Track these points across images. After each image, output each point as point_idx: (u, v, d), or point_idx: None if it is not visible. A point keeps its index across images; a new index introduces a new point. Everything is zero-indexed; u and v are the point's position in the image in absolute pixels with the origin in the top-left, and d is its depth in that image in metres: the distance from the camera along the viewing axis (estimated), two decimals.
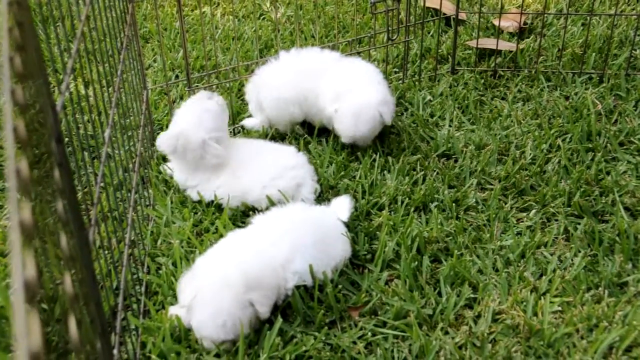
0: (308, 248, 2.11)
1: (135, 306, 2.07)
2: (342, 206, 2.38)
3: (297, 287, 2.09)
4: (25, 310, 0.61)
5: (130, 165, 2.38)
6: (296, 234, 2.14)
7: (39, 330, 0.62)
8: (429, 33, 3.74)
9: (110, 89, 2.18)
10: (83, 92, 2.94)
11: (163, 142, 2.55)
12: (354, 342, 1.99)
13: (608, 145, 2.80)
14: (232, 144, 2.65)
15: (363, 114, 2.72)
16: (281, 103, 2.89)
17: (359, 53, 3.34)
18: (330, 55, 2.98)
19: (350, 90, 2.78)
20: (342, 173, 2.68)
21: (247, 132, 3.02)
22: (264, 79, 2.94)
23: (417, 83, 3.34)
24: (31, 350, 0.61)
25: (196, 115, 2.55)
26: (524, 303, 2.09)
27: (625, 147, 2.82)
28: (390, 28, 3.21)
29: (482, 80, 3.32)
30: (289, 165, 2.54)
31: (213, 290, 1.90)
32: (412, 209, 2.49)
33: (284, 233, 2.13)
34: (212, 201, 2.54)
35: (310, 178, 2.56)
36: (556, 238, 2.36)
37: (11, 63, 0.83)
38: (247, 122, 3.02)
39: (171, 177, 2.67)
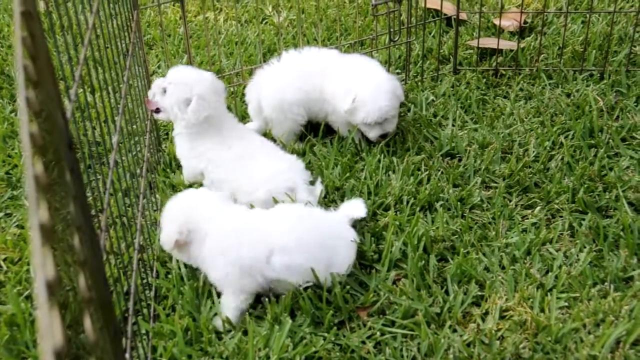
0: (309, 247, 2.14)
1: (145, 311, 2.09)
2: (355, 207, 2.40)
3: (305, 288, 2.11)
4: (48, 310, 0.63)
5: (138, 171, 2.40)
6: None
7: (61, 330, 0.64)
8: (430, 34, 3.75)
9: (116, 95, 2.20)
10: (90, 99, 2.96)
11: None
12: (363, 342, 2.01)
13: (610, 141, 2.82)
14: (230, 142, 2.63)
15: (381, 90, 2.79)
16: (284, 105, 2.90)
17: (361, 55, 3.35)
18: (331, 53, 3.00)
19: (360, 78, 2.83)
20: (348, 174, 2.70)
21: None
22: (265, 79, 2.96)
23: (419, 83, 3.35)
24: (55, 349, 0.63)
25: None
26: (531, 299, 2.10)
27: (627, 142, 2.83)
28: (392, 30, 3.23)
29: (484, 80, 3.34)
30: (280, 169, 2.53)
31: None
32: (418, 209, 2.51)
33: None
34: None
35: (303, 182, 2.54)
36: (561, 234, 2.38)
37: (25, 71, 0.85)
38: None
39: (179, 183, 2.71)
